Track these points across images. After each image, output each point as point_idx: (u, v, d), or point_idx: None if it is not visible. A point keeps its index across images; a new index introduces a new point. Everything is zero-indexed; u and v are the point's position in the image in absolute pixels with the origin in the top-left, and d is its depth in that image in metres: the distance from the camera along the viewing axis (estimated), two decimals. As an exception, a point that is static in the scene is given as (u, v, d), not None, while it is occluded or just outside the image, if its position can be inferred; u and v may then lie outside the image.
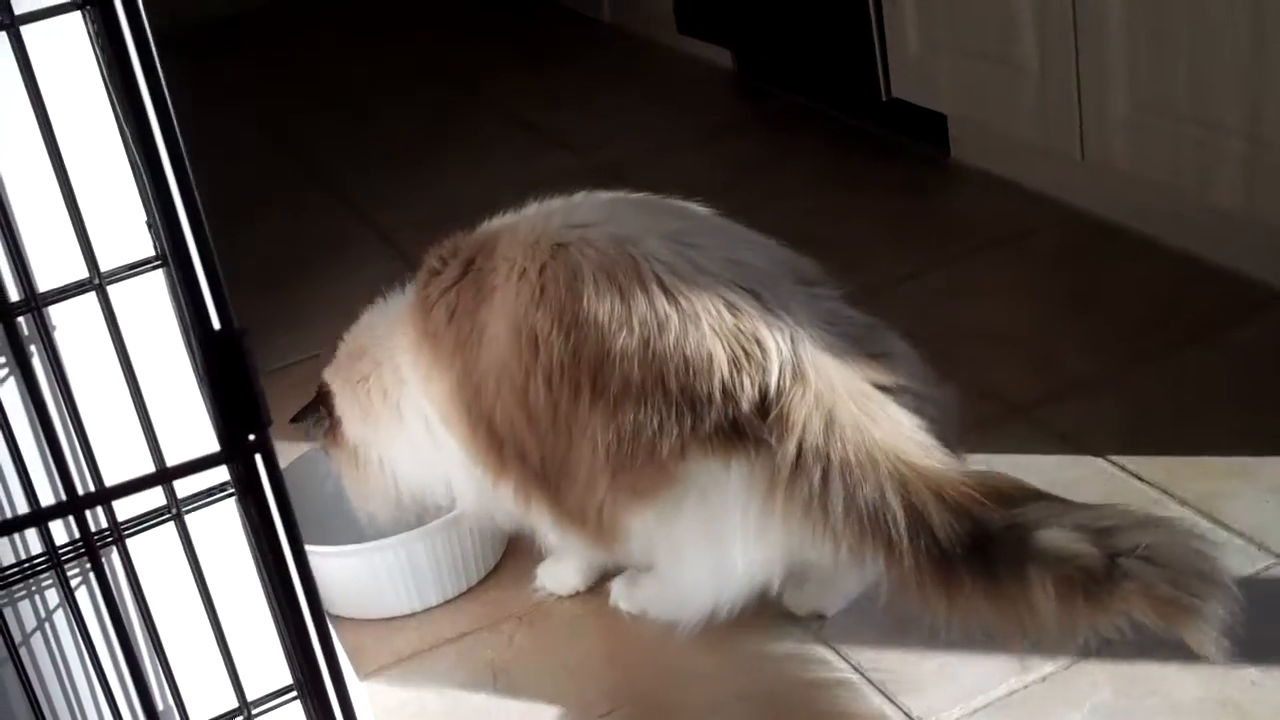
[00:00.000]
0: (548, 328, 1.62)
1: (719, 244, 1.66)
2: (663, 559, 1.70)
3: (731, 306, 1.56)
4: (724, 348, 1.55)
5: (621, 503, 1.63)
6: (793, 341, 1.55)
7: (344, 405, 1.90)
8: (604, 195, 1.80)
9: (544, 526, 1.75)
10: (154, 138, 0.70)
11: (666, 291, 1.57)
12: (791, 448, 1.52)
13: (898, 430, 1.53)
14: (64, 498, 0.87)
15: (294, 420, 1.95)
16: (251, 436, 0.76)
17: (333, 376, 1.92)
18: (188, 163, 0.71)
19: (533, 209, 1.79)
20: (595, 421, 1.60)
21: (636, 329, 1.57)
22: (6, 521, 0.82)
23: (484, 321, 1.70)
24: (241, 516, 1.12)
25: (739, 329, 1.55)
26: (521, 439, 1.68)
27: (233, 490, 1.18)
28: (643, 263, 1.60)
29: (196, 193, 0.71)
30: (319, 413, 1.92)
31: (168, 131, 0.70)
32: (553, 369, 1.62)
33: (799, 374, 1.53)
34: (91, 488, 1.12)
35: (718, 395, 1.54)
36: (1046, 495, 1.52)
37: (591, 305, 1.60)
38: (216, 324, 0.72)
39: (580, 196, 1.79)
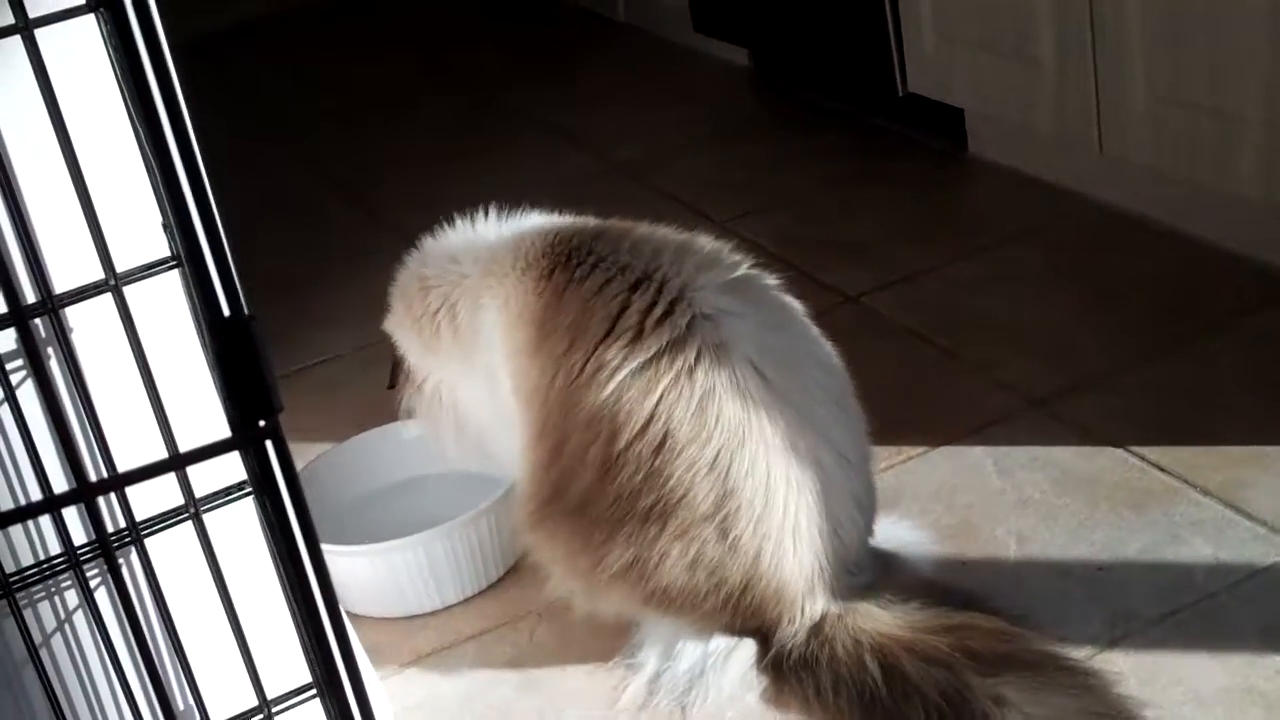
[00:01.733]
0: (685, 440, 1.58)
1: (845, 480, 1.67)
2: (645, 626, 1.74)
3: (822, 567, 1.63)
4: (803, 586, 1.62)
5: (637, 598, 1.66)
6: (841, 609, 1.63)
7: (405, 340, 1.89)
8: (760, 287, 1.73)
9: (528, 534, 1.75)
10: (162, 127, 0.70)
11: (795, 540, 1.61)
12: (795, 659, 1.62)
13: (882, 618, 1.61)
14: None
15: (390, 386, 1.96)
16: (262, 423, 0.76)
17: (396, 306, 1.90)
18: (198, 154, 0.71)
19: (704, 248, 1.73)
20: (666, 546, 1.61)
21: (772, 534, 1.60)
22: (21, 509, 0.82)
23: (607, 360, 1.62)
24: (258, 511, 1.12)
25: (815, 588, 1.63)
26: (577, 476, 1.65)
27: (250, 490, 1.18)
28: (799, 498, 1.61)
29: (206, 180, 0.71)
30: (402, 367, 1.93)
31: (177, 124, 0.70)
32: (664, 480, 1.59)
33: (835, 626, 1.61)
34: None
35: (774, 617, 1.63)
36: (1026, 659, 1.54)
37: (739, 476, 1.59)
38: (226, 311, 0.72)
39: (748, 295, 1.71)
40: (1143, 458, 1.93)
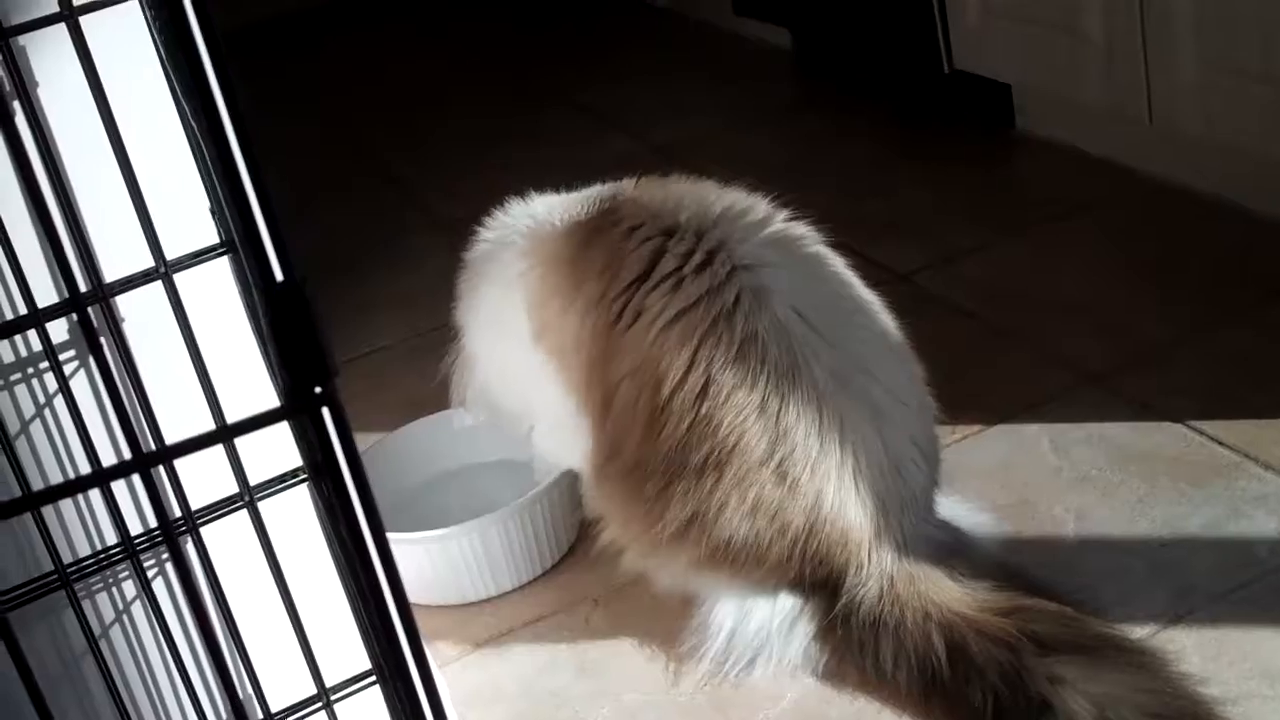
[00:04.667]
0: (730, 386, 1.57)
1: (902, 420, 1.66)
2: (699, 599, 1.72)
3: (888, 509, 1.61)
4: (869, 536, 1.60)
5: (701, 556, 1.63)
6: (901, 557, 1.62)
7: (466, 313, 1.91)
8: (798, 240, 1.73)
9: (593, 490, 1.75)
10: (213, 97, 0.69)
11: (856, 480, 1.60)
12: (864, 613, 1.60)
13: (954, 593, 1.59)
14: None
15: None
16: (318, 390, 0.74)
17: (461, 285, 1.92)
18: (246, 123, 0.70)
19: (741, 202, 1.72)
20: (725, 494, 1.59)
21: (832, 476, 1.59)
22: (72, 481, 0.81)
23: (647, 306, 1.62)
24: (311, 495, 1.11)
25: (882, 530, 1.61)
26: (629, 432, 1.64)
27: (305, 477, 1.18)
28: (855, 437, 1.59)
29: (255, 150, 0.70)
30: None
31: (229, 96, 0.69)
32: (714, 428, 1.58)
33: (908, 590, 1.60)
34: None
35: (841, 563, 1.61)
36: (1085, 642, 1.52)
37: (790, 419, 1.57)
38: (279, 276, 0.71)
39: (782, 247, 1.70)
40: (1201, 432, 1.91)
